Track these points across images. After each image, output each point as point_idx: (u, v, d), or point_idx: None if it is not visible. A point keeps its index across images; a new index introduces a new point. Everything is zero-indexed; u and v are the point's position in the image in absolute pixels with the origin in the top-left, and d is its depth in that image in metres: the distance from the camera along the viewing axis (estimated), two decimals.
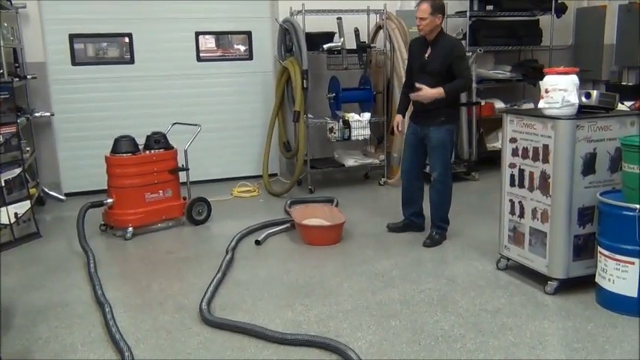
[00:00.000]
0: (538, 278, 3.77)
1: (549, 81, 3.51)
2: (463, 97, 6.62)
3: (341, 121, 6.33)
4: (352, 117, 6.35)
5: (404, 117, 4.96)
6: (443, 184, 4.65)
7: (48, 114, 6.20)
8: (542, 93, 3.55)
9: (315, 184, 6.53)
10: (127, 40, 6.59)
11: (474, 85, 6.69)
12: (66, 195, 6.50)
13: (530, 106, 7.29)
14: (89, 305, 3.71)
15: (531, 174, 3.72)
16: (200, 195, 5.50)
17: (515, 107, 7.31)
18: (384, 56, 6.64)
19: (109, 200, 5.07)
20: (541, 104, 3.57)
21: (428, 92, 4.41)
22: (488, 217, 5.31)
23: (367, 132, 6.42)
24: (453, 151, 4.84)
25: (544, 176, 3.61)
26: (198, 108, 6.82)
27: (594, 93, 3.55)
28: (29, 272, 4.31)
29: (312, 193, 6.43)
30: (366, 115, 6.40)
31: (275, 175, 7.20)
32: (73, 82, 6.43)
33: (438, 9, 4.37)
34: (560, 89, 3.45)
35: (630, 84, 7.06)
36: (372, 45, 6.64)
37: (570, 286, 3.64)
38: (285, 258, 4.48)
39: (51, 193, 6.40)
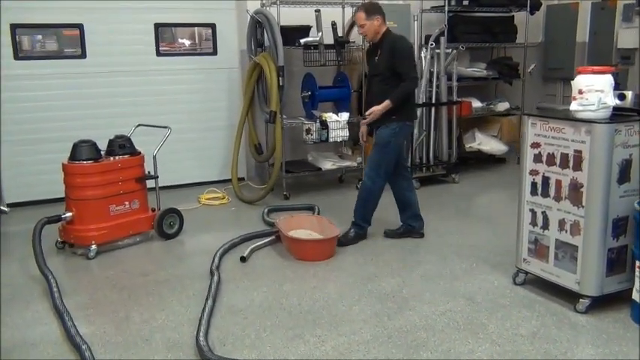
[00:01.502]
0: (563, 295, 3.47)
1: (584, 81, 3.20)
2: (443, 97, 6.34)
3: (318, 121, 5.89)
4: (330, 117, 5.91)
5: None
6: (370, 180, 4.48)
7: None
8: (575, 94, 3.24)
9: (288, 190, 6.07)
10: (77, 32, 5.89)
11: (454, 83, 6.41)
12: (8, 206, 5.76)
13: (506, 105, 7.15)
14: (60, 345, 3.12)
15: (558, 182, 3.41)
16: (163, 203, 4.93)
17: (491, 106, 7.12)
18: (362, 52, 6.24)
19: (68, 214, 4.44)
20: (573, 106, 3.26)
21: (376, 111, 4.31)
22: (483, 224, 5.08)
23: (346, 133, 6.00)
24: (399, 152, 4.57)
25: (575, 185, 3.31)
26: (158, 108, 6.23)
27: (629, 94, 3.29)
28: None
29: (287, 199, 5.97)
30: (345, 115, 5.98)
31: (242, 179, 6.68)
32: (15, 79, 5.68)
33: (373, 11, 4.32)
34: (597, 90, 3.15)
35: None
36: (350, 40, 6.23)
37: (601, 303, 3.36)
38: (279, 277, 4.01)
39: None
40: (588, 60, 7.26)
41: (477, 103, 6.94)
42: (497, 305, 3.49)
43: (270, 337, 3.17)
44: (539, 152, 3.51)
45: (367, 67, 4.60)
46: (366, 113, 4.42)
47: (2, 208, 5.67)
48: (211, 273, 3.97)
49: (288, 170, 6.03)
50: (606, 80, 3.17)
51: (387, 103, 4.26)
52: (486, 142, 6.94)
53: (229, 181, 6.43)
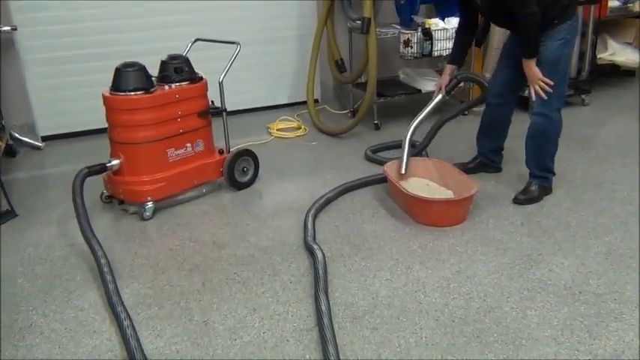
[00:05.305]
0: None
1: None
2: None
3: (420, 30, 4.59)
4: (436, 24, 4.61)
5: (459, 66, 3.60)
6: (543, 116, 3.22)
7: (7, 28, 4.40)
8: None
9: (379, 117, 4.89)
10: None
11: None
12: (43, 139, 4.80)
13: None
14: None
15: None
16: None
17: (629, 5, 5.62)
18: None
19: (114, 162, 3.40)
20: None
21: (534, 72, 3.10)
22: None
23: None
24: (567, 72, 3.31)
25: None
26: (210, 16, 5.05)
27: None
28: (3, 294, 2.72)
29: (378, 129, 4.82)
30: (453, 21, 4.66)
31: (316, 101, 5.52)
32: None
33: None
34: None
35: None
36: None
37: None
38: (402, 254, 2.93)
39: (23, 139, 4.68)
40: None
41: (612, 2, 5.45)
42: None
43: None
44: None
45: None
46: (537, 83, 3.09)
47: (36, 143, 4.73)
48: (309, 249, 2.92)
49: (378, 93, 4.81)
50: None
51: (530, 62, 3.09)
52: (620, 52, 5.53)
53: (302, 104, 5.33)
